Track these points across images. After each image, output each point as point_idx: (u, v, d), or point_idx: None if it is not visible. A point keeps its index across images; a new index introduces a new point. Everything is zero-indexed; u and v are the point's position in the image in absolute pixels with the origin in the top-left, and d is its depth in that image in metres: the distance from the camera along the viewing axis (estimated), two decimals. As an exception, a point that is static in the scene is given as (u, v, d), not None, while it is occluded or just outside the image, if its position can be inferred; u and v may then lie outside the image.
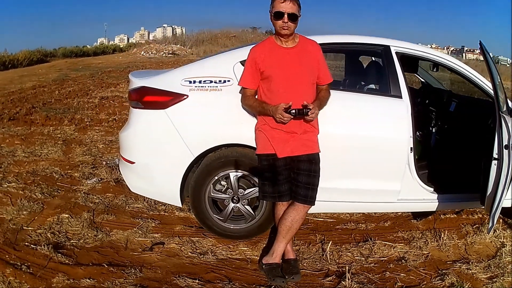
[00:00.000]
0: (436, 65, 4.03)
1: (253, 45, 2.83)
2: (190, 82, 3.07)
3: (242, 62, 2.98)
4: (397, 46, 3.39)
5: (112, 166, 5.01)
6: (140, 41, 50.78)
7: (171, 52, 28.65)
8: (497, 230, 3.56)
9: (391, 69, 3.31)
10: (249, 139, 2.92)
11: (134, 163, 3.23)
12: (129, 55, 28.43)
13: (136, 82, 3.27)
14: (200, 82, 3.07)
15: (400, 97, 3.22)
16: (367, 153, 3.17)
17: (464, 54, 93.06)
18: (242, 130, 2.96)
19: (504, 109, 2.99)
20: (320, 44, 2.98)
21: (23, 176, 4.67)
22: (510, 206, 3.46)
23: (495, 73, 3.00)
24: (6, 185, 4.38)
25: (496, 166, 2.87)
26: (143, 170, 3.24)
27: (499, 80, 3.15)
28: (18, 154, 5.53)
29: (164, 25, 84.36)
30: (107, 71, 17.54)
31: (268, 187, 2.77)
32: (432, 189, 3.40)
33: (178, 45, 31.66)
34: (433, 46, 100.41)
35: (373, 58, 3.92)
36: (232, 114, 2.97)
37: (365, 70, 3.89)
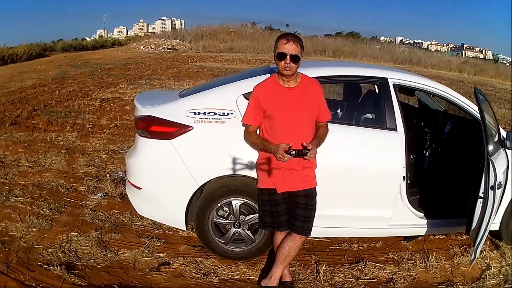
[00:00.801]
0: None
1: (257, 82, 2.99)
2: (195, 113, 3.22)
3: (245, 95, 3.17)
4: (394, 78, 3.55)
5: (116, 179, 5.18)
6: (139, 34, 50.56)
7: (170, 47, 28.70)
8: (484, 251, 3.80)
9: (388, 101, 3.47)
10: (250, 170, 3.12)
11: (141, 188, 3.41)
12: (128, 50, 28.45)
13: (142, 110, 3.41)
14: (204, 113, 3.21)
15: (395, 129, 3.40)
16: (361, 183, 3.36)
17: (463, 52, 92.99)
18: (244, 161, 3.13)
19: (492, 149, 3.14)
20: (319, 78, 3.18)
21: (30, 190, 4.82)
22: (498, 229, 3.73)
23: (486, 120, 3.13)
24: (13, 200, 4.52)
25: (481, 204, 3.05)
26: (150, 196, 3.42)
27: (491, 122, 3.37)
28: (23, 164, 5.67)
29: (163, 18, 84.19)
30: (106, 68, 17.61)
31: (268, 218, 2.98)
32: (422, 214, 3.60)
33: (178, 40, 31.69)
34: (433, 43, 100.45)
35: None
36: (235, 147, 3.12)
37: (363, 99, 4.04)
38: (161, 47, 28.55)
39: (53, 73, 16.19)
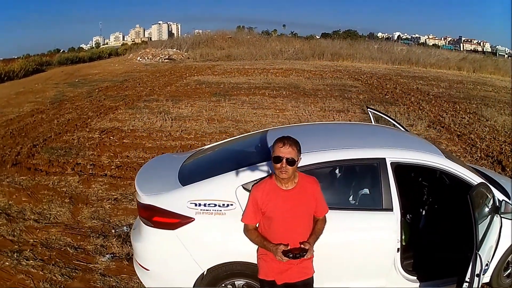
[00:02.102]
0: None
1: (255, 182, 3.08)
2: (196, 204, 3.28)
3: (244, 186, 3.26)
4: (392, 157, 3.58)
5: (121, 235, 5.24)
6: (135, 40, 50.53)
7: (167, 57, 28.69)
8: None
9: (385, 181, 3.51)
10: (251, 257, 3.18)
11: (148, 270, 3.50)
12: (125, 62, 28.43)
13: (144, 198, 3.45)
14: (205, 205, 3.28)
15: (391, 209, 3.46)
16: (358, 258, 3.49)
17: (461, 45, 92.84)
18: (245, 250, 3.18)
19: (480, 249, 3.18)
20: (315, 164, 3.34)
21: (39, 251, 4.89)
22: (489, 281, 3.95)
23: (478, 224, 3.16)
24: (25, 263, 4.60)
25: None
26: (157, 277, 3.51)
27: (484, 191, 3.45)
28: (28, 217, 5.74)
29: (159, 22, 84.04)
30: (104, 88, 17.63)
31: None
32: (415, 278, 3.69)
33: (175, 49, 31.65)
34: (430, 37, 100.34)
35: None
36: (237, 237, 3.15)
37: (360, 175, 3.98)
38: (158, 58, 28.53)
39: (50, 94, 16.26)
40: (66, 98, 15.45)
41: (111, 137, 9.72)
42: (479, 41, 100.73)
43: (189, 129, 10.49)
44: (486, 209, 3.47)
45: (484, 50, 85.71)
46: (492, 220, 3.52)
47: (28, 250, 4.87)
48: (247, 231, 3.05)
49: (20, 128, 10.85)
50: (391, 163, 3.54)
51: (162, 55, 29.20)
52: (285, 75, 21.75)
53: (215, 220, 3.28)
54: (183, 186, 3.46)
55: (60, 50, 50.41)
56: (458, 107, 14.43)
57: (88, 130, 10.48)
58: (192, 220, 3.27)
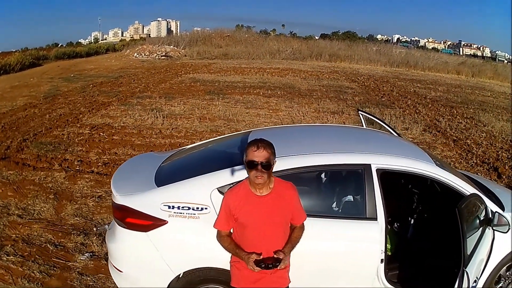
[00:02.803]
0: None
1: (229, 188, 2.98)
2: (169, 207, 3.19)
3: (219, 189, 3.16)
4: (378, 163, 3.43)
5: (102, 233, 5.18)
6: (134, 36, 50.46)
7: (164, 54, 28.63)
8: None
9: (369, 188, 3.37)
10: (224, 263, 3.08)
11: (122, 272, 3.45)
12: (122, 58, 28.37)
13: (118, 198, 3.40)
14: (178, 208, 3.18)
15: (375, 219, 3.33)
16: (340, 269, 3.36)
17: (461, 49, 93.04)
18: (217, 255, 3.08)
19: (468, 266, 3.05)
20: (295, 169, 3.21)
21: (20, 247, 4.89)
22: None
23: (466, 239, 3.03)
24: (5, 259, 4.62)
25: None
26: (130, 279, 3.45)
27: (477, 202, 3.35)
28: (12, 212, 5.75)
29: (158, 19, 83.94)
30: (98, 83, 17.57)
31: None
32: None
33: (172, 46, 31.55)
34: (430, 40, 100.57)
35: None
36: (209, 242, 3.06)
37: (344, 182, 3.79)
38: (155, 54, 28.48)
39: (45, 89, 16.19)
40: (60, 93, 15.40)
41: (101, 134, 9.69)
42: (479, 46, 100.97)
43: (180, 127, 10.45)
44: (478, 221, 3.35)
45: (484, 55, 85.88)
46: (483, 232, 3.36)
47: (10, 246, 4.87)
48: (219, 237, 2.94)
49: (12, 122, 10.81)
50: (377, 170, 3.40)
51: (159, 52, 29.14)
52: (281, 75, 21.71)
53: (189, 224, 3.19)
54: (158, 187, 3.39)
55: (58, 45, 50.34)
56: (455, 112, 14.38)
57: (79, 125, 10.44)
58: (165, 223, 3.19)
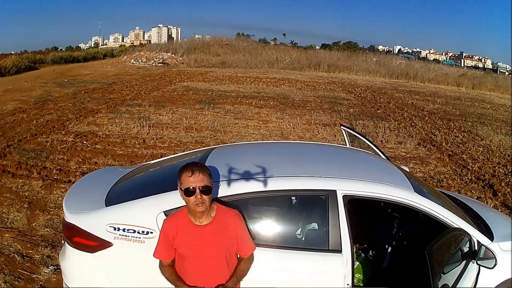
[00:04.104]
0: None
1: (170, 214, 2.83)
2: (115, 228, 3.03)
3: (166, 213, 2.98)
4: (345, 189, 3.15)
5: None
6: (134, 42, 50.60)
7: (161, 61, 28.62)
8: None
9: (333, 217, 3.09)
10: None
11: None
12: (118, 64, 28.38)
13: (66, 215, 3.28)
14: (124, 230, 3.01)
15: (339, 251, 3.04)
16: None
17: (462, 60, 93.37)
18: (164, 284, 2.89)
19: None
20: (253, 193, 3.02)
21: (-11, 255, 4.84)
22: None
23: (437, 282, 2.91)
24: None
25: None
26: None
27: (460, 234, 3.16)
28: (-14, 220, 5.67)
29: (159, 25, 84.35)
30: (90, 89, 17.53)
31: None
32: None
33: (169, 53, 31.61)
34: (432, 51, 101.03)
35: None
36: (154, 269, 2.87)
37: (305, 210, 3.52)
38: (152, 61, 28.48)
39: (36, 94, 16.16)
40: (51, 98, 15.36)
41: (84, 142, 9.59)
42: (480, 57, 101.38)
43: (165, 137, 10.34)
44: (460, 253, 3.16)
45: (485, 66, 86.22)
46: (466, 267, 3.14)
47: (-21, 253, 4.80)
48: (161, 267, 2.75)
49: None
50: (344, 196, 3.11)
51: (156, 58, 29.16)
52: (277, 85, 21.68)
53: (133, 247, 2.99)
54: (106, 206, 3.24)
55: (57, 48, 50.49)
56: (452, 125, 14.21)
57: (64, 133, 10.34)
58: (111, 245, 3.01)
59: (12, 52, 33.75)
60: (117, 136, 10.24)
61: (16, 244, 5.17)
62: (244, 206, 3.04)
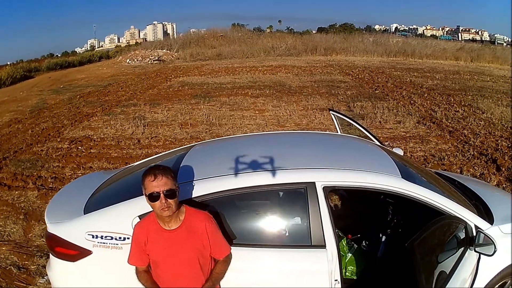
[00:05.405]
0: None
1: None
2: (93, 236, 2.99)
3: (141, 217, 2.91)
4: (325, 180, 3.01)
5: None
6: (130, 41, 50.54)
7: (157, 58, 28.53)
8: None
9: (314, 212, 2.95)
10: None
11: None
12: (114, 65, 28.37)
13: (48, 226, 3.24)
14: (102, 237, 2.97)
15: (323, 246, 2.91)
16: None
17: (459, 34, 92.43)
18: None
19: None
20: (228, 191, 2.94)
21: (-14, 269, 4.86)
22: None
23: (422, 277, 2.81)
24: None
25: None
26: None
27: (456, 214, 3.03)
28: (-17, 234, 5.68)
29: (154, 22, 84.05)
30: (86, 94, 17.51)
31: None
32: None
33: (165, 50, 31.49)
34: (428, 27, 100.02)
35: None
36: (133, 274, 2.82)
37: (284, 205, 3.36)
38: (148, 59, 28.41)
39: (32, 103, 16.16)
40: (47, 106, 15.34)
41: (79, 147, 9.55)
42: (477, 30, 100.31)
43: (160, 135, 10.28)
44: (456, 240, 3.03)
45: (483, 39, 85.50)
46: (464, 254, 2.99)
47: (-24, 267, 4.82)
48: (137, 273, 2.70)
49: (-4, 139, 10.74)
50: (324, 188, 2.97)
51: (151, 56, 29.07)
52: (273, 72, 21.55)
53: (111, 253, 2.95)
54: (84, 214, 3.19)
55: (53, 55, 50.48)
56: (452, 100, 13.99)
57: (59, 140, 10.31)
58: (90, 253, 2.97)
59: (8, 63, 33.89)
60: (112, 138, 10.18)
61: (12, 256, 5.18)
62: (220, 205, 2.98)
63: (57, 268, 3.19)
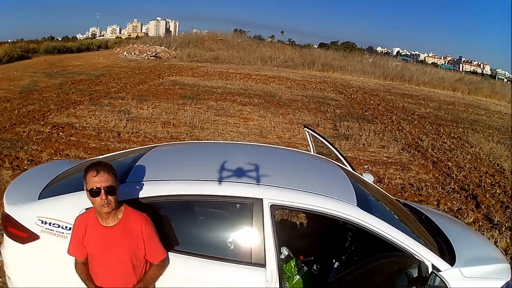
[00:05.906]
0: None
1: None
2: (42, 222, 3.07)
3: (87, 209, 3.00)
4: (273, 198, 2.98)
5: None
6: (132, 34, 50.53)
7: (154, 54, 28.62)
8: None
9: (258, 229, 2.94)
10: None
11: (10, 278, 3.43)
12: (111, 56, 28.42)
13: (5, 206, 3.39)
14: (50, 224, 3.04)
15: (263, 265, 2.88)
16: None
17: (461, 65, 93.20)
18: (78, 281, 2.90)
19: None
20: (172, 196, 3.02)
21: None
22: None
23: None
24: None
25: None
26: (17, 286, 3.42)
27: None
28: None
29: (157, 18, 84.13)
30: (77, 81, 17.64)
31: None
32: None
33: (163, 47, 31.56)
34: (430, 55, 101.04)
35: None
36: (73, 264, 2.89)
37: (229, 218, 3.31)
38: (145, 54, 28.51)
39: (24, 83, 16.24)
40: (37, 88, 15.46)
41: (60, 133, 9.71)
42: (479, 63, 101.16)
43: (141, 131, 10.43)
44: (406, 278, 2.95)
45: (484, 72, 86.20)
46: None
47: None
48: (75, 263, 2.76)
49: (-18, 116, 10.84)
50: (272, 206, 2.95)
51: (149, 52, 29.17)
52: (266, 82, 21.64)
53: (56, 241, 3.01)
54: (38, 200, 3.32)
55: (53, 38, 50.36)
56: (442, 130, 13.88)
57: (42, 123, 10.46)
58: (38, 238, 3.07)
59: (9, 40, 33.78)
60: (93, 128, 10.35)
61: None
62: (164, 209, 3.06)
63: (9, 248, 3.32)
